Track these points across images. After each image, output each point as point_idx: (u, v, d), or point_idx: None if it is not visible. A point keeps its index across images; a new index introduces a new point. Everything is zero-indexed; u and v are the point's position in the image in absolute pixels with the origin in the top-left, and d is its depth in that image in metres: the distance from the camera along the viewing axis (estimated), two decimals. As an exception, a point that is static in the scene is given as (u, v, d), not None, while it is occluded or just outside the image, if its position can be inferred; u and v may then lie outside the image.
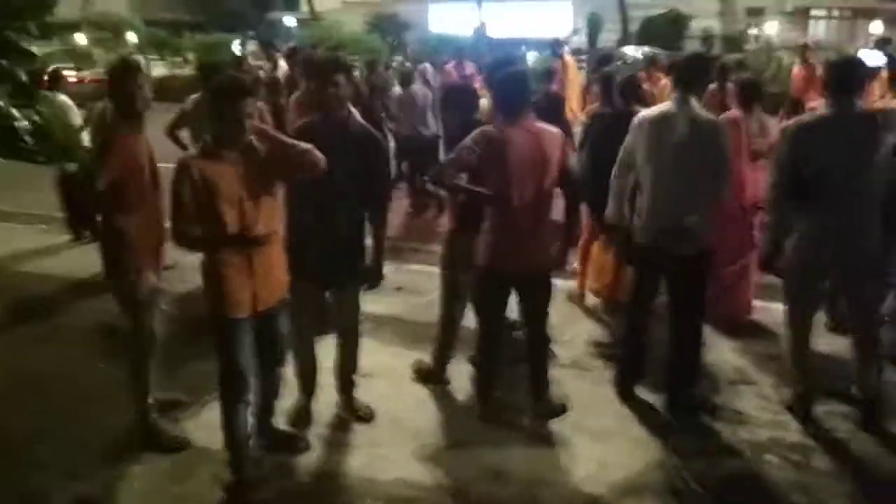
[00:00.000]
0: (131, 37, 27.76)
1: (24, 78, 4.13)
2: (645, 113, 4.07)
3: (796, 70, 10.36)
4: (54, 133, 4.06)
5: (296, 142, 3.29)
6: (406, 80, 8.76)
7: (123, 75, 3.66)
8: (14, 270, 6.68)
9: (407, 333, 5.12)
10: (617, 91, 5.20)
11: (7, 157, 4.01)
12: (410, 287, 5.94)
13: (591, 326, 5.38)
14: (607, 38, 30.20)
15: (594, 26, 30.90)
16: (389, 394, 4.33)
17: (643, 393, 4.31)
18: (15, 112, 4.10)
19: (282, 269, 3.43)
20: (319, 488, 3.54)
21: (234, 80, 3.24)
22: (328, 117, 3.67)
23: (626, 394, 4.31)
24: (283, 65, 11.03)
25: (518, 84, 3.78)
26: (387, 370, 4.58)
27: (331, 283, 3.84)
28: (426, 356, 4.56)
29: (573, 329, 5.24)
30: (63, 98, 6.65)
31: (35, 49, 4.27)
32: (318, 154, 3.25)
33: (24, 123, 3.97)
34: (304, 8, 35.48)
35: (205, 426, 3.88)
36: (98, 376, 4.46)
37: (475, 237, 3.91)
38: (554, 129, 3.81)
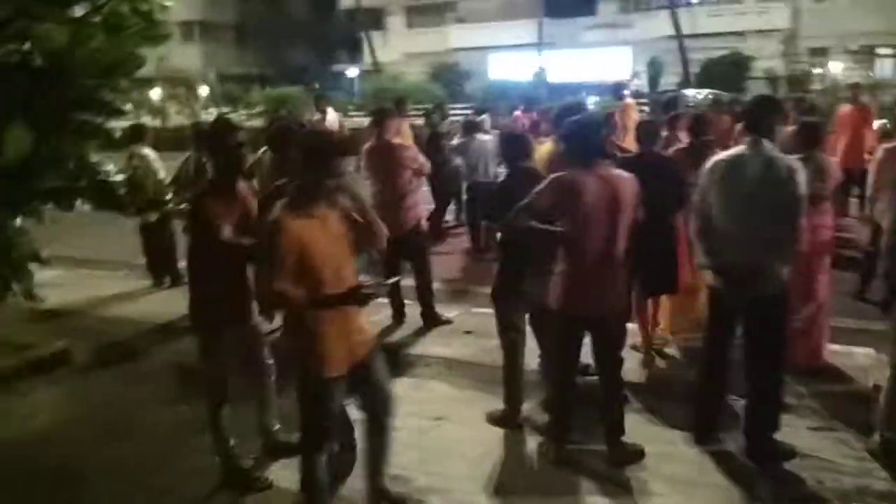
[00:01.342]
0: (203, 91, 28.94)
1: (116, 134, 4.41)
2: (718, 156, 4.08)
3: (845, 109, 10.13)
4: (144, 185, 4.28)
5: (374, 214, 3.32)
6: (469, 129, 8.94)
7: (225, 132, 3.74)
8: (97, 314, 6.96)
9: (478, 377, 5.14)
10: (686, 127, 5.23)
11: (100, 207, 4.26)
12: (480, 330, 5.96)
13: (664, 371, 5.30)
14: (668, 81, 30.12)
15: (655, 70, 30.89)
16: (463, 438, 4.34)
17: (722, 439, 4.23)
18: (109, 166, 4.37)
19: (366, 319, 3.40)
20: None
21: (327, 140, 3.25)
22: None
23: (703, 440, 4.23)
24: (331, 115, 11.39)
25: (590, 130, 3.85)
26: (459, 414, 4.60)
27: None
28: (498, 399, 4.57)
29: (644, 373, 5.18)
30: (147, 151, 6.98)
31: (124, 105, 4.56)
32: (384, 230, 3.33)
33: (118, 177, 4.22)
34: (368, 59, 36.44)
35: (292, 468, 3.95)
36: (179, 418, 4.60)
37: (521, 282, 4.02)
38: (627, 175, 3.85)
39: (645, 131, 5.25)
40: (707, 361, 4.23)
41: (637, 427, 4.34)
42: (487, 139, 8.78)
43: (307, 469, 3.37)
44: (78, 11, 4.23)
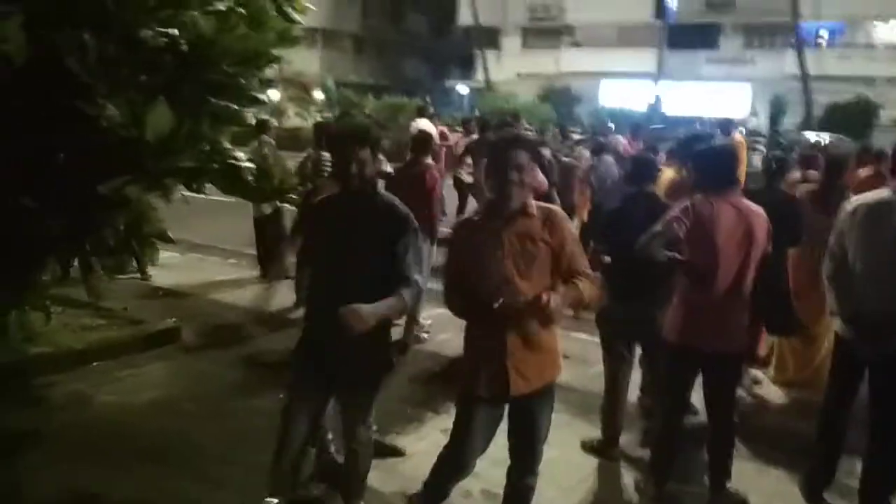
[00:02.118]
0: (318, 95, 29.80)
1: (252, 122, 4.55)
2: (860, 198, 3.84)
3: None
4: (271, 172, 4.39)
5: (581, 252, 3.01)
6: (598, 150, 8.80)
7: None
8: (206, 298, 7.21)
9: (574, 403, 5.00)
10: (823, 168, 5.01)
11: (228, 191, 4.40)
12: (578, 356, 5.84)
13: (777, 419, 5.04)
14: (790, 121, 29.03)
15: (777, 109, 29.84)
16: (558, 462, 4.21)
17: (832, 497, 3.96)
18: (239, 152, 4.51)
19: (551, 354, 3.06)
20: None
21: (504, 132, 3.13)
22: (349, 195, 3.13)
23: (813, 496, 3.97)
24: (423, 123, 11.21)
25: (725, 157, 3.71)
26: (555, 438, 4.47)
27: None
28: (595, 428, 4.44)
29: (758, 420, 4.94)
30: (272, 143, 7.21)
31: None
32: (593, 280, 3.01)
33: (249, 164, 4.35)
34: (480, 77, 36.71)
35: (385, 469, 3.95)
36: (278, 404, 4.67)
37: (631, 311, 3.94)
38: (759, 209, 3.68)
39: (768, 168, 5.06)
40: (827, 414, 3.98)
41: (742, 474, 4.12)
42: (613, 162, 8.61)
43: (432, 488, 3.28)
44: (223, 2, 4.40)
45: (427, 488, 3.29)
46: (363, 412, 3.27)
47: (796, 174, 5.83)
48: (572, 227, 3.04)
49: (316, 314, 3.18)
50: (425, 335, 6.07)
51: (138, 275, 6.98)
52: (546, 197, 7.12)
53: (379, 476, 3.92)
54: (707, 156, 3.78)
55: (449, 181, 11.78)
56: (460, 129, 12.87)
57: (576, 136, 12.45)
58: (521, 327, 2.88)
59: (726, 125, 11.42)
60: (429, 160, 5.95)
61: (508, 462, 3.18)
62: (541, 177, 6.11)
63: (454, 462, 3.15)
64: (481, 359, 2.98)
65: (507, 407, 3.05)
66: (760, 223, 3.61)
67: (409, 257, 3.05)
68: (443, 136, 11.88)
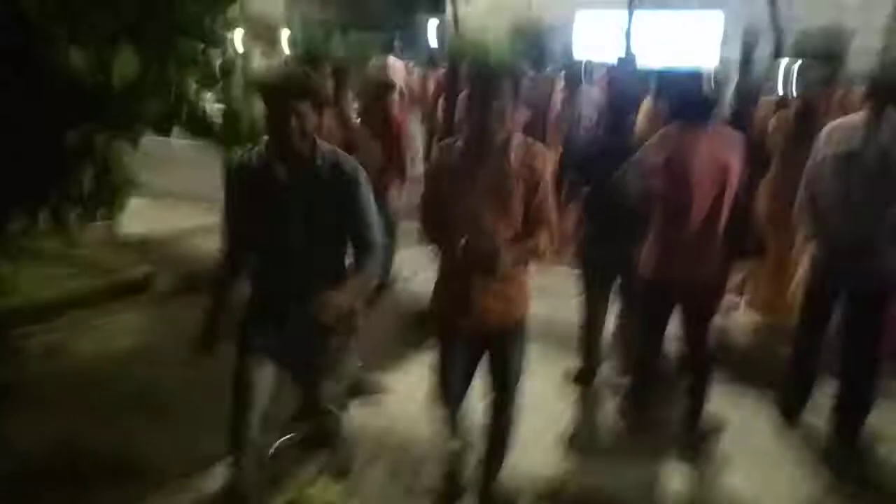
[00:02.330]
0: (284, 34, 29.05)
1: (216, 63, 4.41)
2: (834, 124, 3.84)
3: None
4: (240, 118, 4.28)
5: (551, 197, 2.90)
6: (572, 82, 8.55)
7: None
8: (178, 245, 7.13)
9: (554, 335, 5.06)
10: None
11: (197, 136, 4.29)
12: (557, 289, 5.87)
13: (751, 345, 5.14)
14: (763, 51, 28.82)
15: (750, 37, 29.52)
16: (540, 393, 4.28)
17: (809, 417, 4.09)
18: (207, 96, 4.38)
19: (521, 290, 2.99)
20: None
21: (484, 67, 2.86)
22: (288, 155, 2.70)
23: (790, 417, 4.09)
24: (392, 63, 10.95)
25: (697, 85, 3.64)
26: (536, 370, 4.53)
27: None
28: (575, 358, 4.50)
29: (734, 346, 5.03)
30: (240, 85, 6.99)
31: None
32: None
33: (215, 106, 4.24)
34: (449, 11, 35.93)
35: (371, 405, 3.98)
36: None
37: (610, 244, 3.94)
38: (736, 134, 3.66)
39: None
40: (801, 338, 4.06)
41: (721, 399, 4.21)
42: (591, 93, 8.43)
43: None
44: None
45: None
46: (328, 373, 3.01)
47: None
48: (551, 167, 2.92)
49: (269, 295, 2.85)
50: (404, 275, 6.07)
51: (108, 223, 6.84)
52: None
53: (366, 413, 3.97)
54: (678, 84, 3.73)
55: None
56: (422, 66, 12.52)
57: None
58: (486, 267, 2.77)
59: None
60: (392, 100, 5.81)
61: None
62: (523, 108, 6.00)
63: (441, 400, 3.16)
64: (451, 294, 2.94)
65: (482, 344, 3.04)
66: (737, 152, 3.59)
67: (367, 217, 2.82)
68: (406, 72, 11.61)
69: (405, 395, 4.20)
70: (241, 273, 2.90)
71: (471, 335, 2.99)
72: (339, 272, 2.80)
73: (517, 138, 2.83)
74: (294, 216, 2.69)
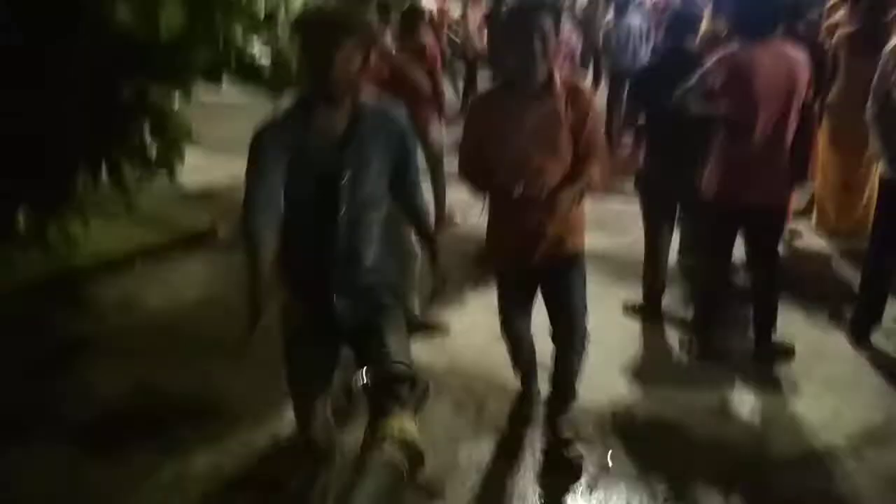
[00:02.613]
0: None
1: (261, 7, 4.39)
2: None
3: None
4: (289, 62, 4.28)
5: (600, 131, 2.85)
6: (620, 10, 8.32)
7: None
8: (237, 197, 7.18)
9: (612, 270, 5.01)
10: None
11: (246, 84, 4.31)
12: (614, 224, 5.81)
13: (820, 269, 5.02)
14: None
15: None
16: (602, 326, 4.26)
17: (878, 340, 3.99)
18: (255, 46, 4.39)
19: (576, 224, 2.95)
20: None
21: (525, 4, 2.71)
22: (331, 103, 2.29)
23: (860, 340, 4.00)
24: None
25: (764, 2, 3.49)
26: (595, 305, 4.51)
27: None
28: (636, 291, 4.46)
29: (801, 270, 4.91)
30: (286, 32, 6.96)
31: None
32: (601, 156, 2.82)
33: (262, 57, 4.24)
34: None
35: (432, 346, 4.03)
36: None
37: (671, 171, 3.83)
38: (801, 54, 3.50)
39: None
40: (873, 257, 3.94)
41: (788, 324, 4.14)
42: (637, 23, 8.17)
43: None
44: None
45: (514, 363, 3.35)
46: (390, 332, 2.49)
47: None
48: (597, 104, 2.87)
49: (309, 262, 2.40)
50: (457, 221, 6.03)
51: (167, 179, 6.98)
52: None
53: (428, 352, 4.01)
54: (740, 1, 3.57)
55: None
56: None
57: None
58: (543, 208, 2.76)
59: None
60: (426, 34, 5.68)
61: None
62: (571, 41, 5.84)
63: (507, 336, 3.19)
64: (507, 234, 2.93)
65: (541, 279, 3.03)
66: (801, 70, 3.44)
67: (415, 174, 2.53)
68: (441, 10, 11.35)
69: (466, 332, 4.24)
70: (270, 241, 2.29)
71: (530, 271, 2.97)
72: (383, 231, 2.46)
73: (560, 74, 2.76)
74: (338, 171, 2.28)
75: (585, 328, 3.07)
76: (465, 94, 10.47)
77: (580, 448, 3.15)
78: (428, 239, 2.64)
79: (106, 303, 4.81)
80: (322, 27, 2.20)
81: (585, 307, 3.05)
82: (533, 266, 2.94)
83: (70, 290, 4.87)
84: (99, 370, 3.91)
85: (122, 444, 3.28)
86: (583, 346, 3.08)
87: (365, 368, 2.33)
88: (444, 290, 2.69)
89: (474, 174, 2.92)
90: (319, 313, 2.43)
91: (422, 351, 4.01)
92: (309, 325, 2.46)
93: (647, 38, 7.95)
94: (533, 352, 3.34)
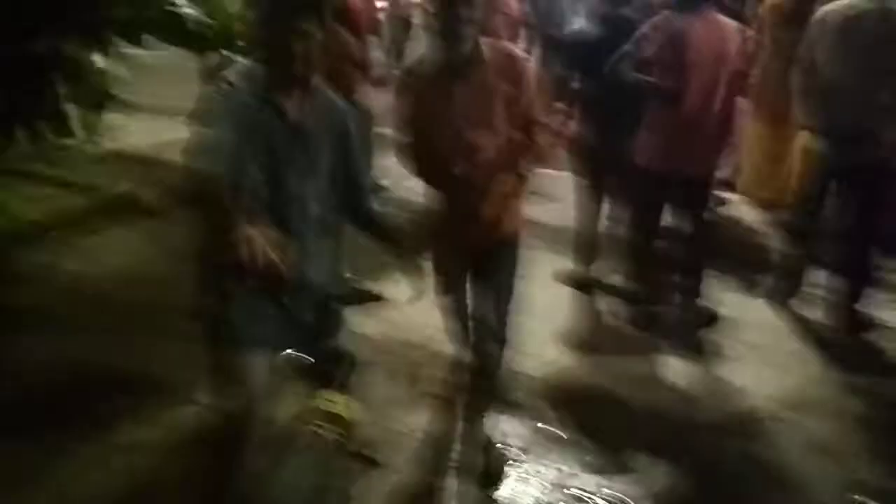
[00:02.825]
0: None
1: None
2: (831, 7, 3.73)
3: None
4: (218, 20, 4.10)
5: (537, 99, 2.68)
6: None
7: None
8: (159, 160, 6.94)
9: (545, 237, 5.02)
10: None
11: (174, 43, 4.11)
12: (547, 192, 5.83)
13: (742, 235, 5.16)
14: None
15: None
16: (533, 294, 4.30)
17: (797, 306, 4.14)
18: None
19: (518, 201, 2.85)
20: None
21: None
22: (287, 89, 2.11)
23: (780, 305, 4.15)
24: None
25: None
26: (529, 272, 4.55)
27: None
28: (567, 259, 4.50)
29: (726, 238, 5.04)
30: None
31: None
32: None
33: (192, 11, 4.04)
34: None
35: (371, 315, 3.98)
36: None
37: (605, 139, 3.84)
38: (732, 24, 3.55)
39: None
40: (796, 224, 4.07)
41: (712, 292, 4.25)
42: None
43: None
44: None
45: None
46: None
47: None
48: (531, 69, 2.73)
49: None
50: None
51: (85, 140, 6.67)
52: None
53: (361, 320, 3.95)
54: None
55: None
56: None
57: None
58: (483, 190, 2.62)
59: None
60: None
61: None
62: (513, 6, 5.74)
63: (443, 305, 3.05)
64: (447, 216, 2.79)
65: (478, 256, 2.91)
66: (734, 39, 3.50)
67: (361, 161, 2.39)
68: None
69: (399, 302, 4.20)
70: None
71: (467, 249, 2.86)
72: (332, 226, 2.31)
73: (488, 43, 2.61)
74: (292, 162, 2.11)
75: (509, 314, 2.96)
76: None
77: (498, 450, 3.06)
78: (383, 235, 2.44)
79: (22, 272, 4.58)
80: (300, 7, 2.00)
81: (512, 292, 2.95)
82: (470, 245, 2.84)
83: (-18, 256, 4.63)
84: (19, 342, 3.73)
85: (43, 420, 3.15)
86: (504, 337, 2.96)
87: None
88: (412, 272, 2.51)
89: (412, 155, 2.75)
90: (267, 326, 2.21)
91: (358, 320, 3.97)
92: (253, 343, 2.20)
93: (574, 4, 7.94)
94: (467, 318, 3.31)
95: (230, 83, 2.05)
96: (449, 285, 3.00)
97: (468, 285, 3.00)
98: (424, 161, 2.69)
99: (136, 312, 4.06)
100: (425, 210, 2.95)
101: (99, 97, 4.20)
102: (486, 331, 2.95)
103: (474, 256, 2.91)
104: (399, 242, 2.43)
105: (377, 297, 4.31)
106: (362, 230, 2.45)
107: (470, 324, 3.08)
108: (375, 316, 4.09)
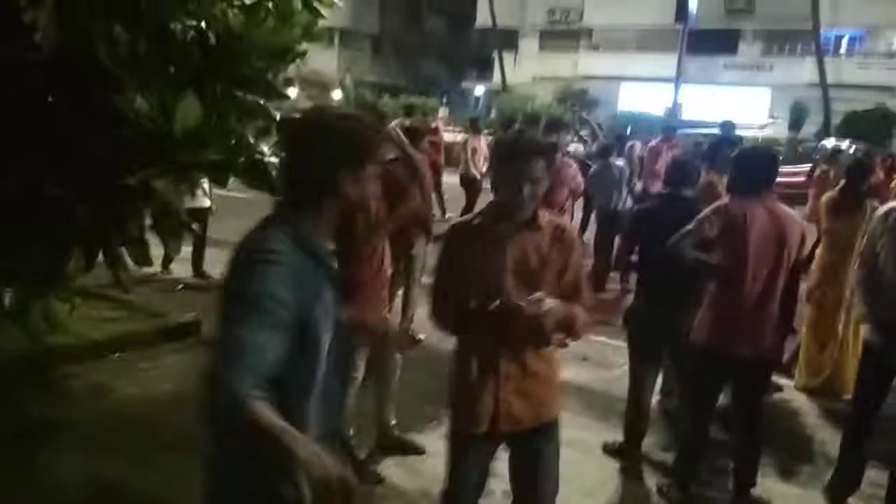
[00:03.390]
0: (336, 94, 29.86)
1: (275, 116, 4.54)
2: (892, 204, 3.81)
3: None
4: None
5: (584, 275, 2.76)
6: (605, 153, 8.73)
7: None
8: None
9: (595, 405, 4.98)
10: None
11: (253, 186, 4.38)
12: (598, 359, 5.81)
13: (802, 426, 4.99)
14: (807, 129, 28.83)
15: (798, 115, 29.65)
16: (578, 464, 4.20)
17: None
18: (265, 147, 4.51)
19: (551, 385, 2.72)
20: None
21: (521, 138, 2.62)
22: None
23: (837, 501, 3.94)
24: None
25: (764, 160, 3.69)
26: (575, 441, 4.45)
27: None
28: (616, 431, 4.40)
29: (782, 427, 4.89)
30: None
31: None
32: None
33: (272, 159, 4.34)
34: (496, 78, 36.69)
35: (406, 467, 3.93)
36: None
37: (661, 313, 3.83)
38: (795, 213, 3.64)
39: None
40: (854, 422, 3.94)
41: (767, 481, 4.07)
42: (622, 166, 8.56)
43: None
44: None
45: None
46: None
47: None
48: (581, 246, 2.77)
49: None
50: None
51: (159, 268, 7.00)
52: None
53: (401, 474, 3.91)
54: (745, 157, 3.76)
55: (454, 179, 11.85)
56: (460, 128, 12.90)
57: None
58: (516, 347, 2.58)
59: (726, 127, 10.50)
60: (423, 147, 5.68)
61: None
62: (577, 178, 5.98)
63: (452, 499, 2.87)
64: (472, 388, 2.63)
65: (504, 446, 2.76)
66: (795, 228, 3.57)
67: None
68: (435, 130, 11.88)
69: (440, 456, 4.13)
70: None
71: (493, 438, 2.68)
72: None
73: (545, 212, 2.66)
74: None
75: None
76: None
77: None
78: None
79: (76, 389, 4.71)
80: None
81: (557, 489, 2.77)
82: (499, 433, 2.65)
83: (43, 371, 4.77)
84: (55, 457, 3.78)
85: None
86: None
87: None
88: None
89: (444, 306, 2.68)
90: None
91: (395, 472, 3.93)
92: None
93: (629, 182, 8.34)
94: None
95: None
96: (461, 489, 2.79)
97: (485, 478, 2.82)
98: (459, 310, 2.61)
99: (178, 440, 4.07)
100: (451, 390, 2.80)
101: (180, 230, 4.46)
102: None
103: (508, 447, 2.74)
104: None
105: (417, 450, 4.27)
106: None
107: None
108: (412, 467, 4.04)
